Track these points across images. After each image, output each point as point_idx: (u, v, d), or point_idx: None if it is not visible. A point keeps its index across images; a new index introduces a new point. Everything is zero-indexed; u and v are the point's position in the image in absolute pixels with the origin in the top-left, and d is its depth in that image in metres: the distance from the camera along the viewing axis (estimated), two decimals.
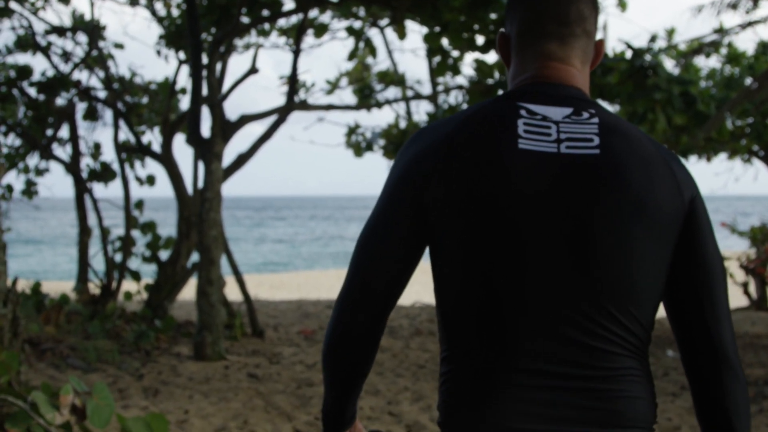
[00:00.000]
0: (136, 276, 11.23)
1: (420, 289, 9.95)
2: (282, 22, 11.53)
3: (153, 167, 19.17)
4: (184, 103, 12.01)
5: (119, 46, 11.83)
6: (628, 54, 9.69)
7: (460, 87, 11.45)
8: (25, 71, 11.01)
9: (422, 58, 12.80)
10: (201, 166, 9.25)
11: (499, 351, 1.61)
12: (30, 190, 12.98)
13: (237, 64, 64.61)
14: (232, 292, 11.18)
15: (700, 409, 1.70)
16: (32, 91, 11.22)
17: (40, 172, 12.90)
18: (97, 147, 12.14)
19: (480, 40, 8.90)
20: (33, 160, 14.18)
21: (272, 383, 7.61)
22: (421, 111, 22.64)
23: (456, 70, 10.17)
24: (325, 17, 10.95)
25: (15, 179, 19.26)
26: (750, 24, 10.45)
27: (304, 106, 10.73)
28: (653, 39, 10.95)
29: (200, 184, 9.38)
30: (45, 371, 7.64)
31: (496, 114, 1.67)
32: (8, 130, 11.49)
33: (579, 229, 1.59)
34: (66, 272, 27.72)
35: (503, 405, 1.59)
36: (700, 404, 1.70)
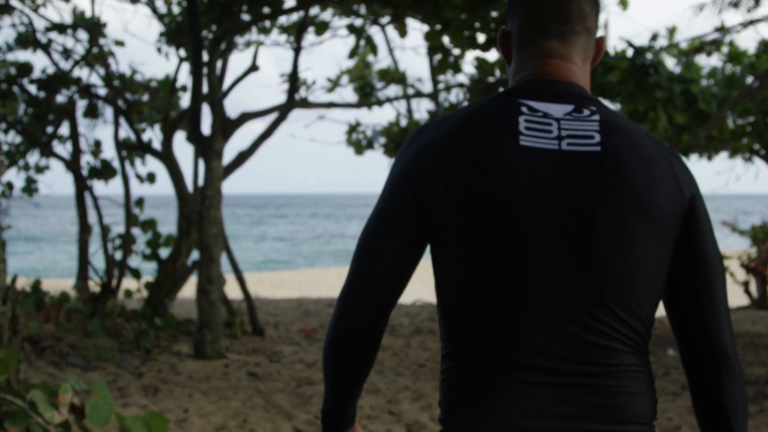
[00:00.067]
0: (136, 274, 11.23)
1: (421, 287, 9.93)
2: (283, 19, 11.51)
3: (153, 165, 19.26)
4: (185, 100, 12.00)
5: (120, 43, 11.82)
6: (630, 52, 9.67)
7: (461, 85, 11.43)
8: (25, 68, 11.00)
9: (423, 56, 12.79)
10: (201, 163, 9.24)
11: (499, 348, 1.60)
12: (30, 188, 12.96)
13: (238, 61, 64.77)
14: (232, 290, 11.17)
15: (698, 407, 1.71)
16: (33, 89, 11.21)
17: (40, 169, 12.89)
18: (97, 144, 12.13)
19: (481, 38, 8.88)
20: (33, 157, 14.14)
21: (272, 382, 7.60)
22: (422, 109, 22.68)
23: (457, 68, 10.16)
24: (326, 15, 10.94)
25: (15, 177, 19.25)
26: (751, 22, 10.42)
27: (305, 103, 10.71)
28: (654, 37, 10.94)
29: (200, 181, 9.37)
30: (45, 369, 7.63)
31: (497, 111, 1.67)
32: (8, 128, 11.47)
33: (580, 226, 1.60)
34: (66, 270, 27.72)
35: (504, 402, 1.59)
36: (698, 402, 1.71)
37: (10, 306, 5.15)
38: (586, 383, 1.60)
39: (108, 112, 12.04)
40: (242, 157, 10.14)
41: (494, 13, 8.38)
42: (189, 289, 12.53)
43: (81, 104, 11.75)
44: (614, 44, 11.50)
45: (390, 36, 13.69)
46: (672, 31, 13.83)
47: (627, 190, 1.60)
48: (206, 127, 9.24)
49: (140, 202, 11.62)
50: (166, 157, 10.79)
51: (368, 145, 13.42)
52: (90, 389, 4.41)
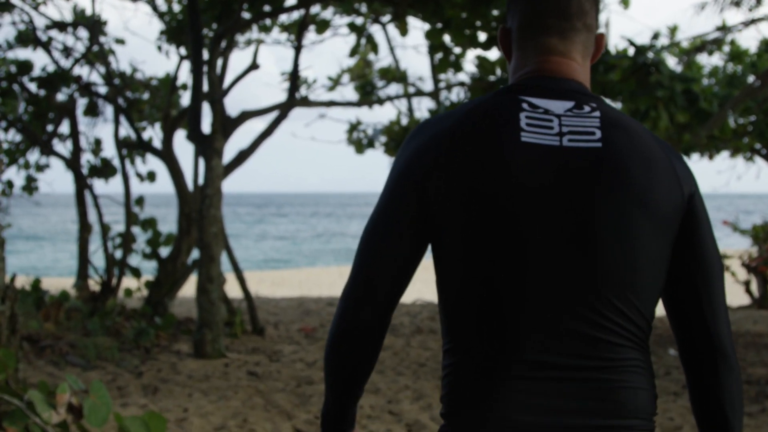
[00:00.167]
0: (136, 273, 11.21)
1: (421, 286, 9.93)
2: (284, 17, 11.50)
3: (154, 163, 19.28)
4: (185, 99, 11.94)
5: (120, 41, 11.80)
6: (631, 51, 9.65)
7: (462, 84, 11.42)
8: (25, 66, 10.98)
9: (424, 55, 12.74)
10: (202, 162, 9.22)
11: (500, 346, 1.61)
12: (30, 186, 12.96)
13: (238, 60, 64.76)
14: (232, 289, 11.16)
15: (696, 402, 1.73)
16: (33, 87, 11.19)
17: (40, 167, 12.88)
18: (97, 143, 12.12)
19: (482, 36, 8.86)
20: (33, 155, 14.18)
21: (272, 381, 7.58)
22: (423, 108, 22.59)
23: (458, 67, 10.14)
24: (327, 13, 10.92)
25: (15, 175, 19.29)
26: (753, 21, 10.40)
27: (306, 102, 10.69)
28: (656, 36, 10.90)
29: (201, 180, 9.35)
30: (44, 368, 7.61)
31: (497, 107, 1.67)
32: (9, 126, 11.45)
33: (581, 222, 1.60)
34: (66, 269, 27.72)
35: (505, 398, 1.59)
36: (696, 397, 1.73)
37: (9, 305, 5.13)
38: (587, 378, 1.60)
39: (108, 110, 12.00)
40: (243, 156, 10.12)
41: (495, 12, 8.36)
42: (189, 288, 12.51)
43: (81, 102, 11.74)
44: (616, 43, 11.48)
45: (391, 34, 13.69)
46: (673, 30, 13.81)
47: (628, 186, 1.61)
48: (206, 125, 9.23)
49: (140, 200, 11.60)
50: (167, 155, 10.77)
51: (369, 143, 13.40)
52: (88, 389, 4.39)
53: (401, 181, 1.67)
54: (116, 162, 11.76)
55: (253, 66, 10.27)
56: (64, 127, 13.68)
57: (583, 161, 1.62)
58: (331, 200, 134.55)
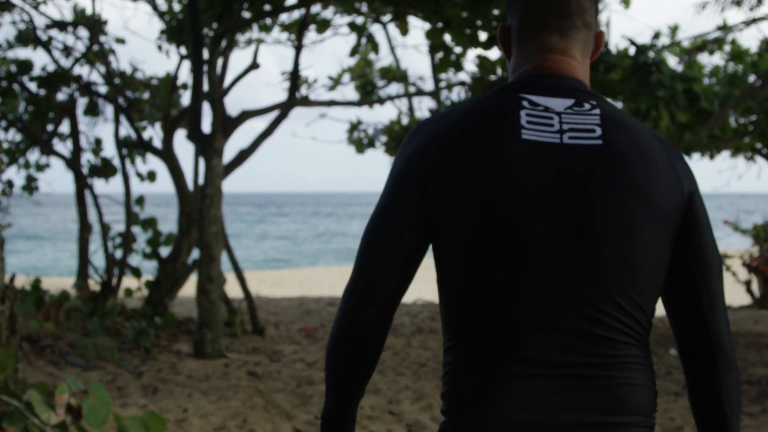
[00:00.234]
0: (136, 272, 11.20)
1: (422, 286, 9.91)
2: (284, 17, 11.49)
3: (154, 163, 19.28)
4: (185, 98, 11.93)
5: (120, 41, 11.79)
6: (632, 51, 9.64)
7: (462, 83, 11.41)
8: (25, 66, 10.97)
9: (425, 55, 12.73)
10: (202, 161, 9.21)
11: (500, 343, 1.61)
12: (30, 186, 12.94)
13: (238, 59, 64.70)
14: (232, 289, 11.14)
15: (694, 397, 1.74)
16: (33, 86, 11.18)
17: (40, 167, 12.86)
18: (97, 142, 12.11)
19: (482, 36, 8.86)
20: (33, 155, 14.16)
21: (272, 381, 7.56)
22: (424, 107, 22.57)
23: (458, 67, 10.13)
24: (328, 13, 10.91)
25: (15, 175, 19.30)
26: (754, 21, 10.38)
27: (306, 102, 10.68)
28: (656, 36, 10.88)
29: (201, 180, 9.34)
30: (44, 368, 7.60)
31: (498, 105, 1.67)
32: (9, 125, 11.44)
33: (582, 219, 1.60)
34: (67, 268, 27.73)
35: (506, 396, 1.59)
36: (695, 393, 1.73)
37: (9, 305, 5.12)
38: (588, 375, 1.60)
39: (108, 110, 11.98)
40: (243, 156, 10.10)
41: (496, 11, 8.35)
42: (189, 288, 12.50)
43: (81, 102, 11.73)
44: (616, 43, 11.46)
45: (391, 34, 13.69)
46: (674, 30, 13.80)
47: (628, 183, 1.61)
48: (207, 125, 9.22)
49: (140, 200, 11.60)
50: (167, 155, 10.76)
51: (369, 143, 13.39)
52: (87, 389, 4.38)
53: (401, 180, 1.67)
54: (116, 162, 11.75)
55: (254, 65, 10.26)
56: (65, 127, 13.68)
57: (583, 158, 1.62)
58: (331, 200, 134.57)
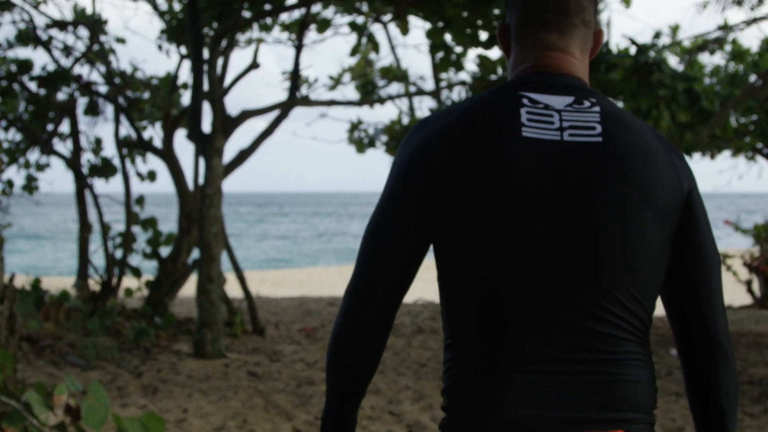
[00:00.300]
0: (136, 272, 11.19)
1: (423, 286, 9.89)
2: (284, 16, 11.48)
3: (154, 163, 19.28)
4: (186, 98, 11.92)
5: (120, 40, 11.78)
6: (632, 50, 9.63)
7: (463, 83, 11.40)
8: (25, 65, 10.96)
9: (425, 54, 12.72)
10: (202, 161, 9.21)
11: (500, 341, 1.61)
12: (31, 186, 12.93)
13: (239, 59, 64.70)
14: (232, 288, 11.13)
15: (692, 395, 1.75)
16: (33, 86, 11.17)
17: (40, 167, 12.85)
18: (98, 142, 12.10)
19: (483, 35, 8.84)
20: (34, 155, 14.14)
21: (272, 382, 7.55)
22: (424, 107, 22.57)
23: (459, 66, 10.12)
24: (328, 12, 10.90)
25: (16, 174, 19.30)
26: (755, 21, 10.36)
27: (307, 101, 10.67)
28: (657, 35, 10.87)
29: (201, 179, 9.33)
30: (44, 369, 7.59)
31: (498, 103, 1.67)
32: (9, 125, 11.43)
33: (582, 218, 1.60)
34: (67, 268, 27.72)
35: (507, 393, 1.59)
36: (692, 389, 1.74)
37: (8, 305, 5.11)
38: (588, 371, 1.60)
39: (108, 109, 11.97)
40: (243, 155, 10.10)
41: (496, 11, 8.33)
42: (189, 288, 12.49)
43: (81, 102, 11.72)
44: (617, 42, 11.45)
45: (392, 34, 13.70)
46: (675, 29, 13.78)
47: (628, 180, 1.62)
48: (207, 124, 9.21)
49: (141, 200, 11.59)
50: (167, 155, 10.75)
51: (370, 143, 13.38)
52: (86, 390, 4.37)
53: (401, 180, 1.67)
54: (116, 161, 11.74)
55: (254, 65, 10.25)
56: (65, 127, 13.69)
57: (583, 156, 1.62)
58: (332, 200, 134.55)
